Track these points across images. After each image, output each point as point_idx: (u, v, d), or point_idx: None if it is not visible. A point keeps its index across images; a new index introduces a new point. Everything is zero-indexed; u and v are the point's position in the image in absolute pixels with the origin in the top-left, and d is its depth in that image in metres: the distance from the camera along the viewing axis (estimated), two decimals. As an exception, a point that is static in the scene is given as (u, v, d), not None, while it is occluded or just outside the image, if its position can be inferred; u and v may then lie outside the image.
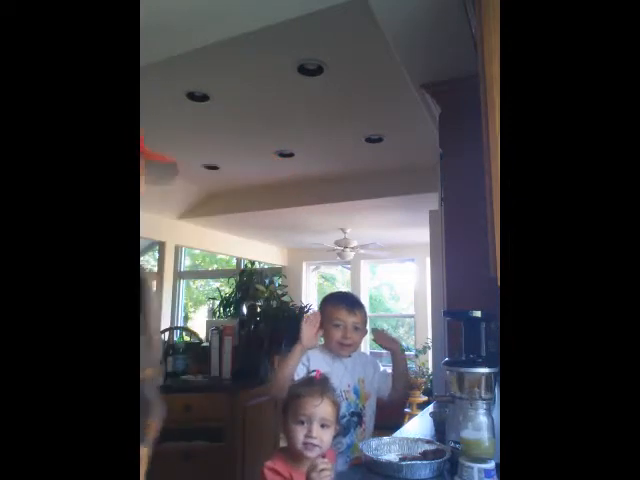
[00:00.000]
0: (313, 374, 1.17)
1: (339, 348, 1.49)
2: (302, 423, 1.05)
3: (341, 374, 1.48)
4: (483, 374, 1.18)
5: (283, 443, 1.15)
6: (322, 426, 1.06)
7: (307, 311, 3.36)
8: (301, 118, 3.26)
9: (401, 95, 2.80)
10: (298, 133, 3.54)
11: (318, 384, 1.11)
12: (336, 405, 1.10)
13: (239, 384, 2.52)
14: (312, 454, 1.04)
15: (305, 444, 1.04)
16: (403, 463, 1.10)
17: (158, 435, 1.01)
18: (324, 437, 1.06)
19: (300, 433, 1.05)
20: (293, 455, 1.07)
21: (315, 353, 1.50)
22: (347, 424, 1.45)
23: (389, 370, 1.61)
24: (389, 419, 2.31)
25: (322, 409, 1.06)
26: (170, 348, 2.74)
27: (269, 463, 1.05)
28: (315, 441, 1.04)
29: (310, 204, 4.81)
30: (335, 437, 1.32)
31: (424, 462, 1.09)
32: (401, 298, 7.75)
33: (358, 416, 1.48)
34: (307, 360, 1.46)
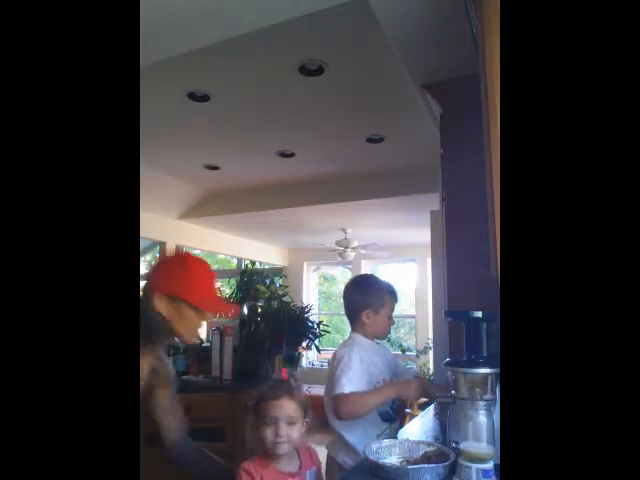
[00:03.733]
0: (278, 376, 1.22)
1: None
2: (269, 424, 1.11)
3: (384, 361, 1.56)
4: (484, 374, 1.17)
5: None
6: (289, 424, 1.11)
7: (308, 311, 3.35)
8: (302, 118, 3.26)
9: (402, 95, 2.79)
10: (299, 133, 3.54)
11: (281, 385, 1.16)
12: (302, 402, 1.15)
13: (240, 384, 2.51)
14: (281, 451, 1.10)
15: (274, 442, 1.10)
16: (409, 467, 1.08)
17: None
18: (292, 434, 1.11)
19: (269, 433, 1.10)
20: (267, 454, 1.12)
21: (360, 339, 1.57)
22: (393, 411, 1.51)
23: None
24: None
25: (287, 408, 1.12)
26: (170, 348, 2.74)
27: (245, 464, 1.11)
28: (283, 439, 1.10)
29: (311, 204, 4.81)
30: (384, 421, 1.45)
31: (430, 465, 1.07)
32: (402, 298, 7.74)
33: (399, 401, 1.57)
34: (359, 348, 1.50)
